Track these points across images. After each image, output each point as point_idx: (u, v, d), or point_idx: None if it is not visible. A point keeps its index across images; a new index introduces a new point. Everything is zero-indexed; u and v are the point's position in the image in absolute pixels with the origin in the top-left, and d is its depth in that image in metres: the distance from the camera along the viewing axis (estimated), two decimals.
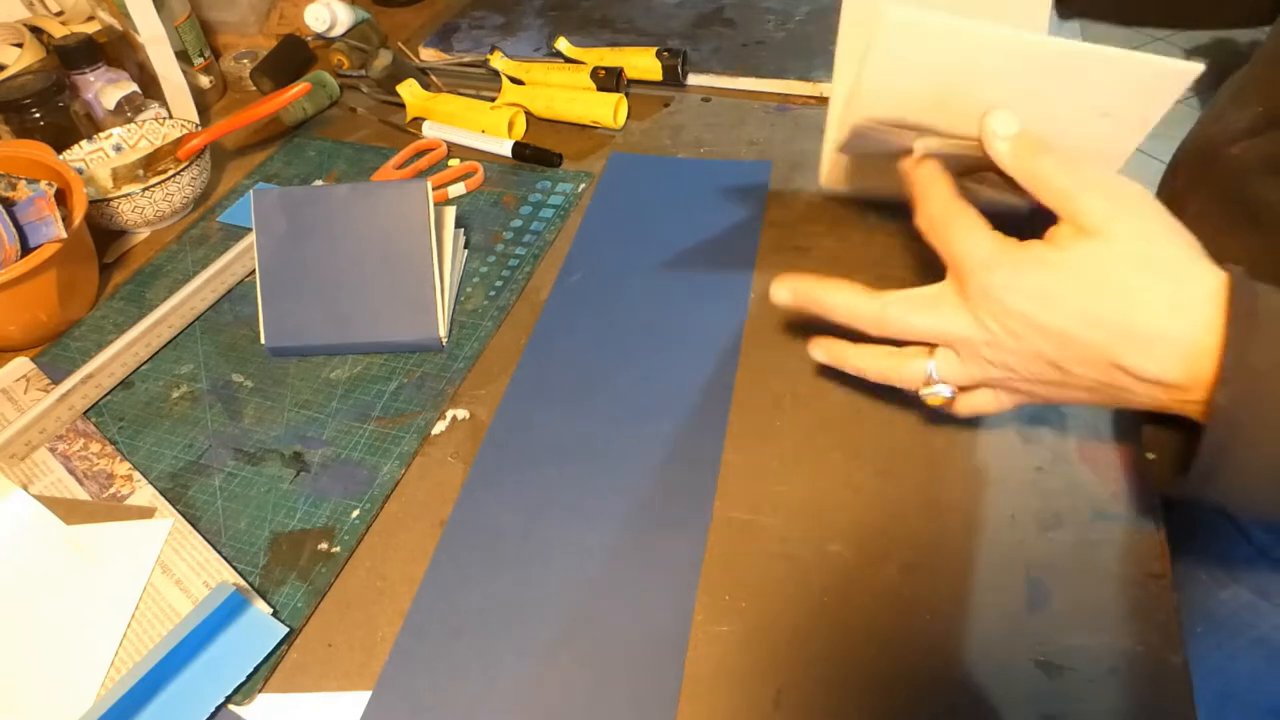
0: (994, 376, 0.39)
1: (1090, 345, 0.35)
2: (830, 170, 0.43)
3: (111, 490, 0.48)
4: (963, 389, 0.42)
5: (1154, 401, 0.36)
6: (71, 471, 0.49)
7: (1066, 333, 0.35)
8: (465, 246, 0.63)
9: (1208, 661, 0.54)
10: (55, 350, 0.58)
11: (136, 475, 0.48)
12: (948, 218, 0.39)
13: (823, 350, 0.45)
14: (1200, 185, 0.54)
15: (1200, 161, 0.55)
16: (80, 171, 0.66)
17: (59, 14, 0.79)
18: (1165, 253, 0.35)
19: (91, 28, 0.77)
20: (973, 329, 0.38)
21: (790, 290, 0.44)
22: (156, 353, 0.56)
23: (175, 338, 0.57)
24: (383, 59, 0.79)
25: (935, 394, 0.41)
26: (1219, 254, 0.35)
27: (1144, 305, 0.34)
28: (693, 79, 0.80)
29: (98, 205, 0.62)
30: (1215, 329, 0.33)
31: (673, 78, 0.78)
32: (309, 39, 0.87)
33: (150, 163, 0.68)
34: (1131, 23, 0.65)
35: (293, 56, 0.85)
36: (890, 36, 0.34)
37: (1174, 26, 0.64)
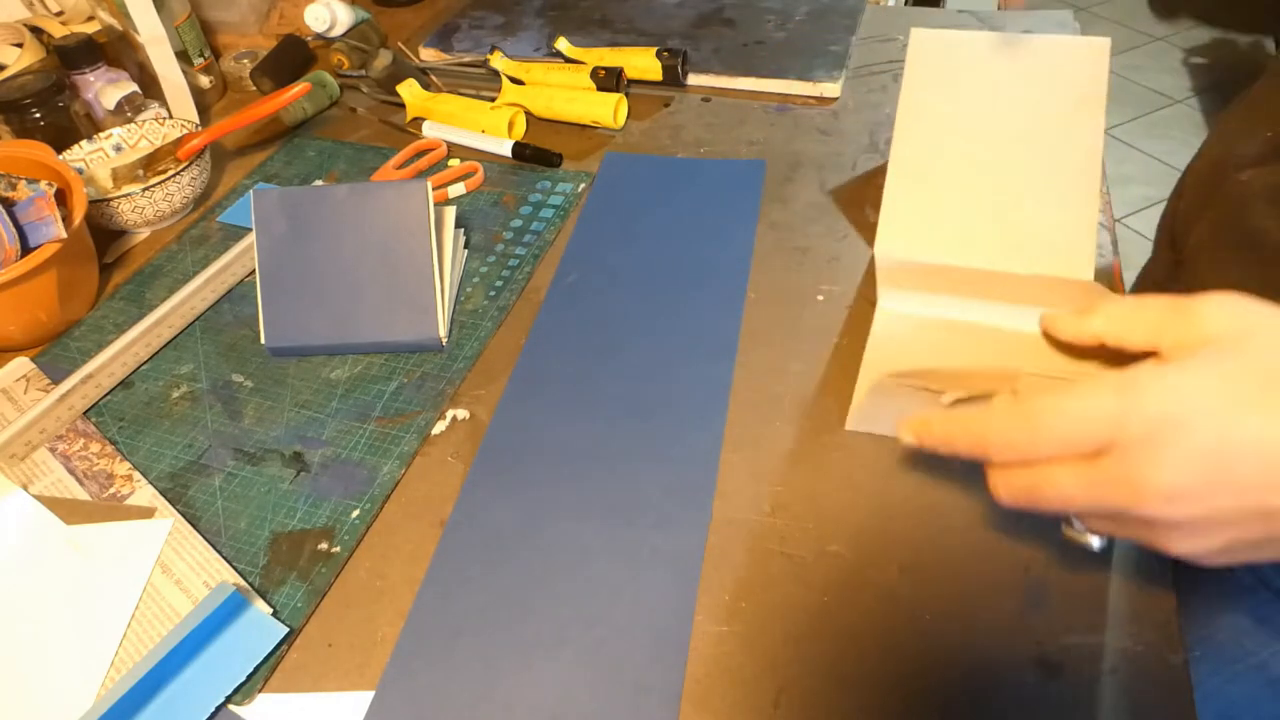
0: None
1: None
2: (856, 414, 0.47)
3: (111, 490, 0.48)
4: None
5: None
6: (71, 471, 0.49)
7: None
8: (465, 246, 0.63)
9: (1205, 686, 0.53)
10: (55, 350, 0.58)
11: (136, 475, 0.48)
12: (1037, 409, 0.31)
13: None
14: (1205, 209, 0.54)
15: (1207, 184, 0.54)
16: (80, 171, 0.66)
17: (59, 14, 0.79)
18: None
19: (91, 28, 0.77)
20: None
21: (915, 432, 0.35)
22: (156, 353, 0.56)
23: (175, 338, 0.57)
24: (383, 59, 0.79)
25: (1077, 532, 0.35)
26: (1218, 282, 0.32)
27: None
28: (693, 79, 0.80)
29: (98, 205, 0.62)
30: None
31: (673, 78, 0.78)
32: (309, 39, 0.87)
33: (150, 163, 0.68)
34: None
35: (293, 56, 0.85)
36: (881, 321, 0.42)
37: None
